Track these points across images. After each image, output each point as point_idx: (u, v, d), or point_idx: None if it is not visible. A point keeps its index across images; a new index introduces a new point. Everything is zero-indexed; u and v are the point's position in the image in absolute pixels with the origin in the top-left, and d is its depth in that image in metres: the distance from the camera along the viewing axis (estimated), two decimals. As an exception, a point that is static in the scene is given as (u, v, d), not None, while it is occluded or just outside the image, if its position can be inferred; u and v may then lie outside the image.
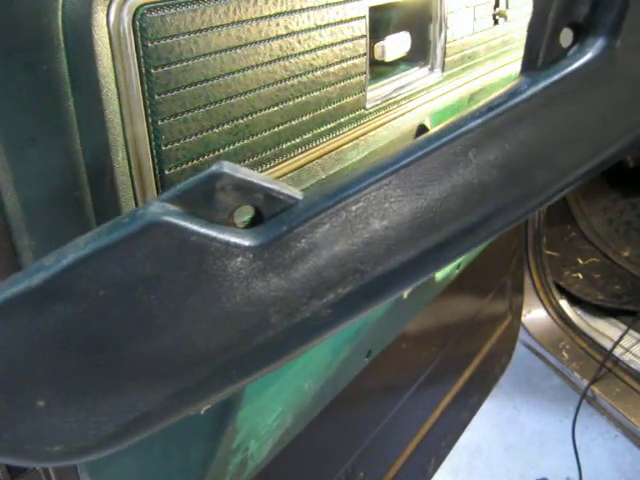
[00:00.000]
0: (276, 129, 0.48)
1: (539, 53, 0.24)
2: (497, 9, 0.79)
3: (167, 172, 0.41)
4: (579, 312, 1.72)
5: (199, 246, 0.22)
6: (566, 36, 0.28)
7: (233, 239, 0.22)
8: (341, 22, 0.52)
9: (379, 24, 0.62)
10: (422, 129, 0.66)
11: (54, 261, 0.23)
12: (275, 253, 0.23)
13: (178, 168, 0.41)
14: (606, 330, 1.66)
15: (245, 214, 0.24)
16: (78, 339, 0.22)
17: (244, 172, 0.24)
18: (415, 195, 0.22)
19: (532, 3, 0.26)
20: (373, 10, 0.57)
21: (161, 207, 0.23)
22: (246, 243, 0.22)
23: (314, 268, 0.22)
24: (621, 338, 1.56)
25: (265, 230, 0.23)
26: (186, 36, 0.39)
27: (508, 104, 0.23)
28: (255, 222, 0.24)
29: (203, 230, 0.22)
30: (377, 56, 0.61)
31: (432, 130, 0.25)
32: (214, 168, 0.24)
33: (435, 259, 0.24)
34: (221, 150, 0.44)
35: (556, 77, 0.23)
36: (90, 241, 0.23)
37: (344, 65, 0.54)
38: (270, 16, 0.45)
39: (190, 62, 0.40)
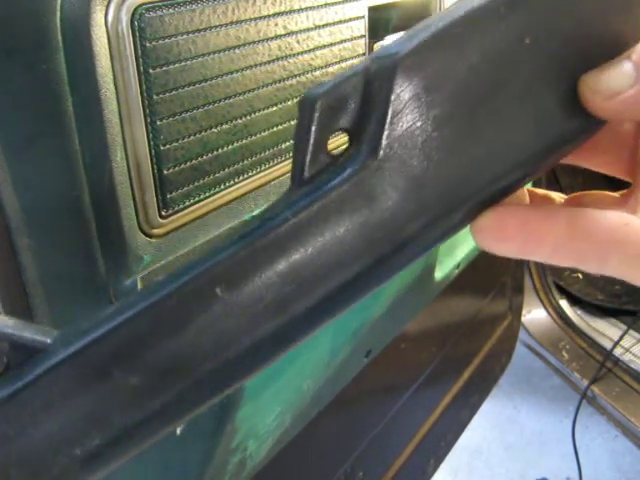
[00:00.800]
0: (275, 129, 0.48)
1: (305, 164, 0.21)
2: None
3: (166, 172, 0.41)
4: (579, 312, 1.72)
5: None
6: (334, 145, 0.23)
7: None
8: (340, 22, 0.52)
9: (378, 24, 0.62)
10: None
11: None
12: (9, 409, 0.20)
13: (177, 168, 0.41)
14: (606, 330, 1.66)
15: None
16: None
17: None
18: (159, 340, 0.20)
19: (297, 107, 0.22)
20: (372, 10, 0.57)
21: None
22: None
23: (54, 424, 0.20)
24: (621, 338, 1.56)
25: (2, 384, 0.20)
26: (184, 36, 0.39)
27: (261, 230, 0.20)
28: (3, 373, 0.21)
29: None
30: (376, 56, 0.61)
31: (181, 267, 0.22)
32: None
33: (187, 407, 0.22)
34: (220, 150, 0.44)
35: (313, 196, 0.20)
36: None
37: (343, 65, 0.54)
38: (269, 16, 0.45)
39: (189, 62, 0.40)
